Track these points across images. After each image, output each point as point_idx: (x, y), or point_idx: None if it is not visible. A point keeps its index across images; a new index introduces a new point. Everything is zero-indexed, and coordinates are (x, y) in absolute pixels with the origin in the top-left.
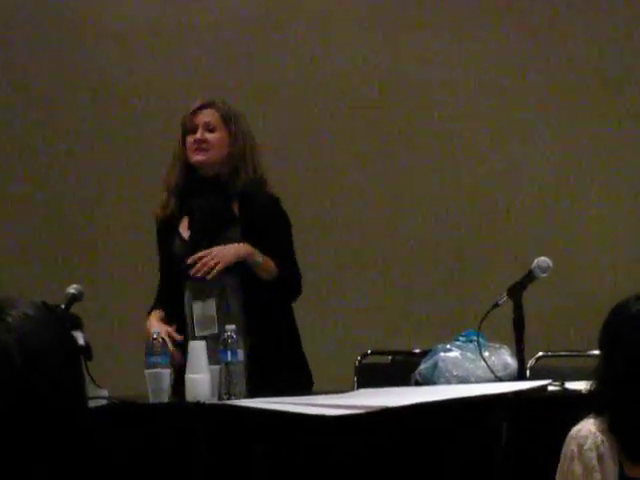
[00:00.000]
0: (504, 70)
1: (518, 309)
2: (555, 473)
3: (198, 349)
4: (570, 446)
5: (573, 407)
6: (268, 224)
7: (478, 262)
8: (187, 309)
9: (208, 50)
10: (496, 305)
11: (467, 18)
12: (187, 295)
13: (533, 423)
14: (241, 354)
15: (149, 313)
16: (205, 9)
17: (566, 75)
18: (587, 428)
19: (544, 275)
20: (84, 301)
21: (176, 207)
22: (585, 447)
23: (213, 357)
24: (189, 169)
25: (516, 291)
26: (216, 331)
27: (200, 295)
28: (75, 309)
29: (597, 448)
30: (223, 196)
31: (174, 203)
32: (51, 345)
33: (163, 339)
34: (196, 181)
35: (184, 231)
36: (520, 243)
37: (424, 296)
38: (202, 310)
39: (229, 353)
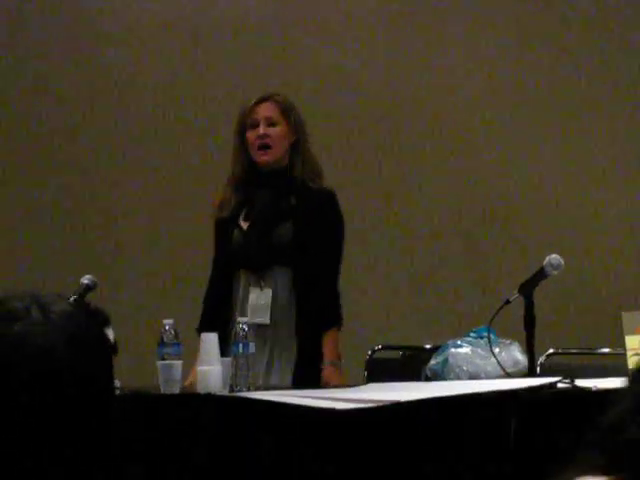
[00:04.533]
0: (517, 64)
1: (529, 306)
2: (563, 468)
3: (210, 341)
4: None
5: (583, 404)
6: (321, 223)
7: (490, 259)
8: (241, 293)
9: (221, 51)
10: (507, 302)
11: (475, 23)
12: (242, 282)
13: (542, 420)
14: (252, 346)
15: (202, 322)
16: (218, 10)
17: (576, 74)
18: None
19: (556, 272)
20: (96, 291)
21: (236, 200)
22: None
23: (259, 348)
24: (249, 161)
25: (527, 288)
26: (268, 322)
27: (256, 284)
28: (87, 299)
29: None
30: (282, 189)
31: (235, 196)
32: (93, 343)
33: (175, 330)
34: (257, 173)
35: (243, 222)
36: (532, 240)
37: (435, 292)
38: (257, 298)
39: (240, 345)
